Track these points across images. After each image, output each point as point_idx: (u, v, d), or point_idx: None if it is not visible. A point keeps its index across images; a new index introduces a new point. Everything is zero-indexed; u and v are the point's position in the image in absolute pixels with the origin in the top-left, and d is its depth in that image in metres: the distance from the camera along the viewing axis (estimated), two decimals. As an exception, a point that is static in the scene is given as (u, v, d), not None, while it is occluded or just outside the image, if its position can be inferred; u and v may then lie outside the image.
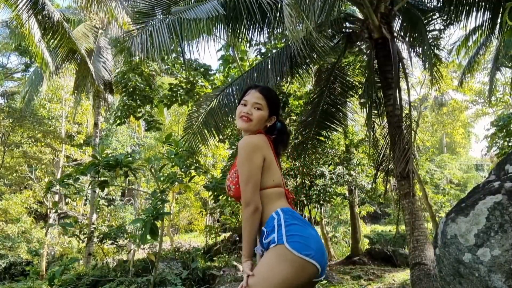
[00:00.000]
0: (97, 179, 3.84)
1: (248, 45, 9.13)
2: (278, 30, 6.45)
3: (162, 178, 3.98)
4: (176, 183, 3.85)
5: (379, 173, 6.28)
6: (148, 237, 3.34)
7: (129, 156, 3.80)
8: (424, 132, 16.45)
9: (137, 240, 4.39)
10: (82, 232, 6.51)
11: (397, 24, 6.35)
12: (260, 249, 1.69)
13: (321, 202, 9.50)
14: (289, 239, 1.55)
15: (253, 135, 1.78)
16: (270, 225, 1.63)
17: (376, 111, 6.52)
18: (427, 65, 6.05)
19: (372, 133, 6.66)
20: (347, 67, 7.55)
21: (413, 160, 5.23)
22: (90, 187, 8.44)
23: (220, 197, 4.46)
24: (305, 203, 9.29)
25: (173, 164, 3.90)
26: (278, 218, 1.63)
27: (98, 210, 13.09)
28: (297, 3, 4.23)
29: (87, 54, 10.80)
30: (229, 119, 6.67)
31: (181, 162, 3.83)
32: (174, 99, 9.40)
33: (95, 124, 11.95)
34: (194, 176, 4.16)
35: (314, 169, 9.23)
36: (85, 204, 16.42)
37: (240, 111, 1.82)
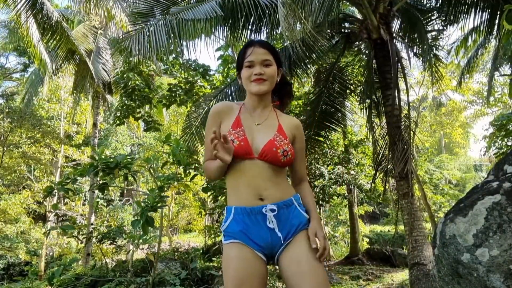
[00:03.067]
0: (96, 181, 3.85)
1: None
2: (276, 30, 6.45)
3: (161, 178, 3.99)
4: (175, 182, 3.86)
5: (378, 173, 6.28)
6: (147, 237, 3.35)
7: (128, 157, 3.81)
8: (423, 133, 16.48)
9: (136, 241, 4.39)
10: (80, 233, 6.50)
11: (396, 25, 6.36)
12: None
13: (321, 202, 9.50)
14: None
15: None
16: (299, 201, 1.68)
17: (375, 111, 6.53)
18: (426, 66, 6.06)
19: (372, 134, 6.66)
20: (346, 67, 7.56)
21: (412, 160, 5.23)
22: (89, 190, 8.44)
23: (219, 197, 4.48)
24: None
25: (176, 161, 3.90)
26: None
27: (97, 210, 13.09)
28: (294, 3, 4.22)
29: (87, 55, 10.80)
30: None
31: (184, 159, 3.84)
32: (173, 99, 9.40)
33: (94, 124, 11.95)
34: (196, 174, 4.17)
35: (313, 169, 9.24)
36: (83, 205, 16.40)
37: (250, 74, 1.65)
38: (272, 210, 1.56)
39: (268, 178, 1.60)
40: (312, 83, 8.09)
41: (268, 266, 1.65)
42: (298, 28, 4.95)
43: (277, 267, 1.69)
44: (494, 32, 6.04)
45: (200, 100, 7.85)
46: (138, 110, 9.79)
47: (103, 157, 3.72)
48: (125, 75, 9.39)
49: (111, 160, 3.63)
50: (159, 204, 3.42)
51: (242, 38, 6.38)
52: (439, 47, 6.79)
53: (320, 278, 1.52)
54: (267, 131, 1.67)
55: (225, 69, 10.17)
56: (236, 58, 1.80)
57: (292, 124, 1.76)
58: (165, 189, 3.90)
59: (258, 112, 1.73)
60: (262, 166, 1.60)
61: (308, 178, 1.87)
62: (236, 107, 1.75)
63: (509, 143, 7.57)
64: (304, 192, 1.77)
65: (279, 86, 1.78)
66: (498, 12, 5.49)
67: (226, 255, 1.58)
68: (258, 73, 1.63)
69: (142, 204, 3.40)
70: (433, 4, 6.34)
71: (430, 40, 6.37)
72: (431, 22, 6.50)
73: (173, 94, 9.30)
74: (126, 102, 9.59)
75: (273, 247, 1.57)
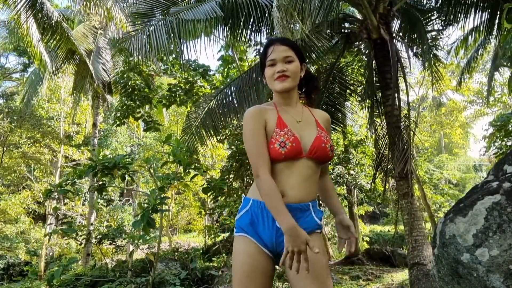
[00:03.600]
0: (95, 182, 3.86)
1: (247, 45, 9.14)
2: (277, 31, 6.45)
3: (162, 178, 3.99)
4: (175, 182, 3.86)
5: (378, 173, 6.29)
6: (147, 236, 3.35)
7: (127, 157, 3.81)
8: (423, 133, 16.48)
9: (136, 241, 4.39)
10: (80, 234, 6.50)
11: (396, 25, 6.36)
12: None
13: (320, 202, 9.49)
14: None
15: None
16: (316, 207, 1.66)
17: (377, 111, 6.53)
18: (426, 66, 6.06)
19: (375, 133, 6.66)
20: (346, 67, 7.56)
21: (412, 160, 5.23)
22: (88, 191, 8.44)
23: (219, 197, 4.48)
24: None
25: (176, 160, 3.90)
26: None
27: (97, 211, 13.09)
28: (291, 5, 4.21)
29: (86, 55, 10.80)
30: (228, 119, 6.67)
31: (185, 158, 3.84)
32: (173, 100, 9.40)
33: (94, 125, 11.94)
34: (196, 174, 4.17)
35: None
36: (83, 204, 16.41)
37: (273, 72, 1.63)
38: None
39: (305, 178, 1.58)
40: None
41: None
42: (297, 28, 4.95)
43: (277, 267, 1.69)
44: (494, 32, 6.04)
45: (200, 100, 7.85)
46: (138, 110, 9.79)
47: (101, 157, 3.72)
48: (125, 75, 9.39)
49: (110, 160, 3.63)
50: (159, 206, 3.42)
51: (242, 38, 6.39)
52: (439, 47, 6.80)
53: (324, 280, 1.53)
54: (309, 127, 1.66)
55: (225, 69, 10.18)
56: (259, 58, 1.80)
57: (324, 118, 1.77)
58: (166, 189, 3.90)
59: (293, 109, 1.70)
60: (306, 165, 1.58)
61: None
62: (271, 107, 1.69)
63: (508, 143, 7.57)
64: (328, 185, 1.82)
65: (304, 81, 1.75)
66: (498, 12, 5.50)
67: (235, 248, 1.62)
68: (281, 70, 1.62)
69: (144, 205, 3.40)
70: (433, 4, 6.35)
71: (430, 40, 6.37)
72: (431, 22, 6.51)
73: (173, 94, 9.31)
74: (126, 102, 9.59)
75: (277, 246, 1.57)
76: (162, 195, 3.69)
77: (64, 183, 3.91)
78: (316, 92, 1.85)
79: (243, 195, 1.66)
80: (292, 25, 4.52)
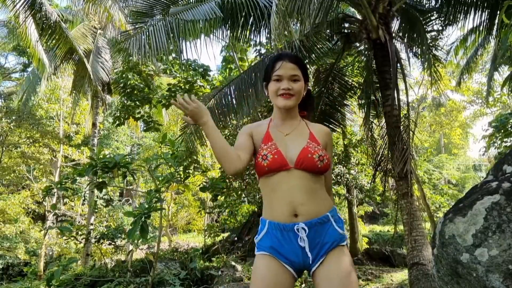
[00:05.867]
0: (95, 180, 3.85)
1: (247, 45, 9.14)
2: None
3: (160, 179, 3.98)
4: (174, 183, 3.85)
5: (377, 173, 6.29)
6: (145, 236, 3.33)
7: (127, 156, 3.80)
8: (422, 133, 16.48)
9: (135, 240, 4.39)
10: (79, 233, 6.49)
11: (395, 25, 6.36)
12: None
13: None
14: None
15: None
16: (336, 216, 1.67)
17: (374, 112, 6.53)
18: (425, 66, 6.06)
19: (370, 133, 6.67)
20: (346, 67, 7.56)
21: (411, 160, 5.24)
22: (88, 189, 8.44)
23: (219, 197, 4.48)
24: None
25: (170, 165, 3.90)
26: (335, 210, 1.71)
27: (96, 211, 13.08)
28: (289, 9, 4.20)
29: (86, 55, 10.79)
30: (227, 119, 6.66)
31: (177, 162, 3.83)
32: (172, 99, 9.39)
33: (94, 124, 11.94)
34: (188, 176, 4.17)
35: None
36: (83, 204, 16.41)
37: (277, 88, 1.67)
38: (304, 231, 1.56)
39: (305, 190, 1.59)
40: (312, 83, 8.09)
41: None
42: (296, 29, 4.96)
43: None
44: (494, 32, 6.04)
45: (200, 99, 7.84)
46: (138, 110, 9.79)
47: (101, 157, 3.71)
48: (124, 75, 9.39)
49: (110, 159, 3.63)
50: (152, 209, 3.39)
51: (242, 38, 6.38)
52: (439, 47, 6.80)
53: None
54: (298, 139, 1.68)
55: (226, 69, 10.18)
56: (265, 69, 1.80)
57: (322, 131, 1.77)
58: (163, 190, 3.89)
59: (286, 124, 1.74)
60: (299, 176, 1.59)
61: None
62: (265, 123, 1.77)
63: (508, 144, 7.58)
64: None
65: (303, 99, 1.78)
66: (498, 12, 5.50)
67: (255, 265, 1.62)
68: (286, 88, 1.65)
69: (135, 211, 3.35)
70: (433, 4, 6.35)
71: (429, 40, 6.37)
72: (431, 22, 6.51)
73: (173, 94, 9.29)
74: (125, 102, 9.59)
75: (304, 263, 1.58)
76: (159, 196, 3.68)
77: (64, 181, 3.91)
78: (311, 110, 1.90)
79: (261, 218, 1.66)
80: (291, 26, 4.51)
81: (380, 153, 6.04)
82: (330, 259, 1.56)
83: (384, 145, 5.91)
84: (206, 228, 13.08)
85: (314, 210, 1.58)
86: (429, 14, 6.39)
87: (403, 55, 6.38)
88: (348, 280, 1.52)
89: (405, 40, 6.31)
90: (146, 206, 3.41)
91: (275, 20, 4.26)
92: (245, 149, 1.66)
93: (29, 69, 16.15)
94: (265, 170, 1.60)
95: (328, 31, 5.99)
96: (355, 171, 10.03)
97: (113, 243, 7.30)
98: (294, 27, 4.95)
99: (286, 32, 4.50)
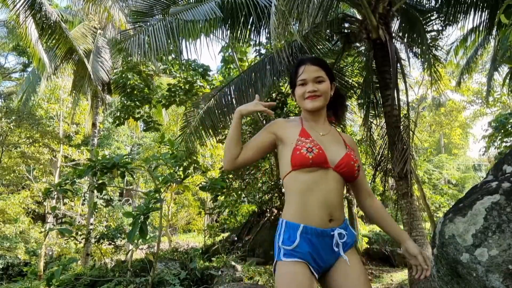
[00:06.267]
0: (94, 181, 3.84)
1: (247, 45, 9.13)
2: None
3: (160, 179, 3.98)
4: (174, 183, 3.85)
5: (377, 173, 6.29)
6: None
7: (126, 157, 3.80)
8: (422, 133, 16.48)
9: (135, 241, 4.39)
10: (79, 234, 6.50)
11: (395, 25, 6.35)
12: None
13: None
14: None
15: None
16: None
17: (374, 112, 6.53)
18: (425, 66, 6.06)
19: (370, 133, 6.66)
20: (346, 67, 7.56)
21: (411, 160, 5.23)
22: (88, 190, 8.44)
23: (219, 197, 4.47)
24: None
25: (168, 166, 3.90)
26: None
27: (96, 211, 13.07)
28: (288, 9, 4.19)
29: (86, 55, 10.78)
30: (227, 119, 6.66)
31: (176, 163, 3.83)
32: (172, 100, 9.39)
33: (93, 124, 11.94)
34: (187, 176, 4.17)
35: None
36: (83, 204, 16.41)
37: (303, 92, 1.67)
38: (341, 236, 1.57)
39: (339, 194, 1.61)
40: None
41: None
42: (295, 29, 4.95)
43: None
44: (494, 32, 6.05)
45: (200, 98, 7.83)
46: (138, 110, 9.78)
47: (100, 157, 3.72)
48: (123, 75, 9.38)
49: (109, 160, 3.63)
50: (150, 210, 3.39)
51: (242, 38, 6.38)
52: (439, 47, 6.80)
53: None
54: (337, 144, 1.69)
55: (226, 70, 10.17)
56: (289, 76, 1.83)
57: (352, 141, 1.80)
58: (163, 190, 3.89)
59: (318, 125, 1.73)
60: (336, 179, 1.60)
61: None
62: (296, 119, 1.77)
63: (508, 144, 7.58)
64: (381, 211, 1.78)
65: (332, 99, 1.77)
66: (497, 12, 5.49)
67: (289, 270, 1.51)
68: (312, 90, 1.66)
69: (133, 212, 3.35)
70: (433, 4, 6.34)
71: (429, 40, 6.37)
72: (431, 22, 6.50)
73: (173, 94, 9.29)
74: (125, 102, 9.59)
75: (327, 268, 1.60)
76: (158, 197, 3.68)
77: (63, 183, 3.91)
78: (343, 110, 1.90)
79: (281, 219, 1.60)
80: (291, 26, 4.51)
81: (380, 153, 6.04)
82: (346, 256, 1.60)
83: (384, 145, 5.91)
84: (206, 228, 13.08)
85: (341, 216, 1.63)
86: (429, 14, 6.39)
87: (403, 55, 6.38)
88: (364, 279, 1.58)
89: (405, 40, 6.30)
90: (145, 207, 3.40)
91: (274, 21, 4.26)
92: (256, 148, 1.68)
93: (29, 69, 16.14)
94: (309, 163, 1.55)
95: (328, 31, 5.98)
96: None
97: (113, 243, 7.31)
98: (294, 27, 4.94)
99: (286, 33, 4.49)
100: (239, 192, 9.31)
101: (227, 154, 1.64)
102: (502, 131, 7.50)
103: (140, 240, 4.74)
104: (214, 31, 5.96)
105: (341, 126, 7.60)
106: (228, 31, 6.16)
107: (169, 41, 5.37)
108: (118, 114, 9.82)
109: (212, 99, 6.69)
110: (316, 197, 1.56)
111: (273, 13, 4.40)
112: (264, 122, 7.63)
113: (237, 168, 1.69)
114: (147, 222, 3.38)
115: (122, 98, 9.77)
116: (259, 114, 7.58)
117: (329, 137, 1.69)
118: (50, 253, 15.79)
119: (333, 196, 1.58)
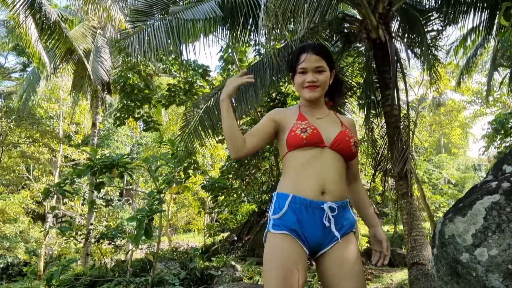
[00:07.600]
0: (94, 181, 3.84)
1: (246, 45, 9.13)
2: (276, 30, 6.43)
3: (160, 179, 3.98)
4: (174, 184, 3.85)
5: (377, 173, 6.29)
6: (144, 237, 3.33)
7: (125, 156, 3.80)
8: (422, 132, 16.48)
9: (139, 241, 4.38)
10: (79, 233, 6.49)
11: (395, 25, 6.35)
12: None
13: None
14: None
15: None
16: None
17: (374, 112, 6.53)
18: (425, 66, 6.05)
19: (370, 133, 6.66)
20: (346, 67, 7.56)
21: (411, 160, 5.23)
22: (87, 189, 8.44)
23: (219, 197, 4.48)
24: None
25: (169, 166, 3.90)
26: None
27: (95, 210, 13.07)
28: (280, 8, 4.15)
29: (86, 54, 10.78)
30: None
31: (176, 163, 3.83)
32: (172, 100, 9.39)
33: (93, 124, 11.93)
34: (189, 176, 4.18)
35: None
36: (83, 204, 16.41)
37: (303, 80, 1.69)
38: (332, 209, 1.55)
39: (337, 171, 1.62)
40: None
41: None
42: (293, 28, 4.94)
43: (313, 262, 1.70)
44: (493, 32, 6.04)
45: (199, 99, 7.83)
46: (137, 110, 9.78)
47: (99, 157, 3.71)
48: (123, 74, 9.38)
49: (108, 159, 3.63)
50: (154, 212, 3.38)
51: (242, 38, 6.38)
52: (438, 47, 6.80)
53: (359, 284, 1.55)
54: (332, 124, 1.72)
55: (226, 70, 10.17)
56: (289, 60, 1.84)
57: (350, 122, 1.81)
58: (164, 191, 3.89)
59: (316, 110, 1.76)
60: (332, 156, 1.63)
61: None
62: (294, 107, 1.80)
63: (508, 143, 7.58)
64: (361, 194, 1.82)
65: (331, 85, 1.79)
66: (497, 12, 5.50)
67: (275, 243, 1.53)
68: (311, 80, 1.67)
69: (137, 216, 3.35)
70: (432, 4, 6.34)
71: (429, 40, 6.37)
72: (430, 22, 6.50)
73: (172, 94, 9.29)
74: (125, 102, 9.58)
75: (320, 245, 1.57)
76: (160, 198, 3.67)
77: (63, 183, 3.91)
78: (340, 96, 1.90)
79: (279, 192, 1.63)
80: (283, 27, 4.47)
81: (380, 153, 6.04)
82: (342, 244, 1.58)
83: (384, 145, 5.91)
84: (206, 228, 13.08)
85: (340, 192, 1.62)
86: (429, 14, 6.38)
87: (403, 55, 6.38)
88: (359, 268, 1.57)
89: (405, 40, 6.30)
90: (148, 209, 3.40)
91: (266, 23, 4.22)
92: (259, 135, 1.69)
93: (29, 69, 16.13)
94: (302, 143, 1.59)
95: (327, 31, 5.98)
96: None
97: (112, 243, 7.30)
98: (291, 26, 4.94)
99: (277, 33, 4.47)
100: (239, 192, 9.32)
101: (233, 141, 1.63)
102: (502, 131, 7.50)
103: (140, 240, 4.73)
104: (214, 31, 5.96)
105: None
106: (228, 31, 6.16)
107: (169, 40, 5.37)
108: (118, 114, 9.82)
109: (212, 98, 6.68)
110: (310, 171, 1.58)
111: (263, 10, 4.36)
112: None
113: (245, 155, 1.68)
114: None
115: (122, 98, 9.77)
116: (258, 114, 7.59)
117: (326, 119, 1.73)
118: (50, 253, 15.78)
119: (327, 170, 1.59)
